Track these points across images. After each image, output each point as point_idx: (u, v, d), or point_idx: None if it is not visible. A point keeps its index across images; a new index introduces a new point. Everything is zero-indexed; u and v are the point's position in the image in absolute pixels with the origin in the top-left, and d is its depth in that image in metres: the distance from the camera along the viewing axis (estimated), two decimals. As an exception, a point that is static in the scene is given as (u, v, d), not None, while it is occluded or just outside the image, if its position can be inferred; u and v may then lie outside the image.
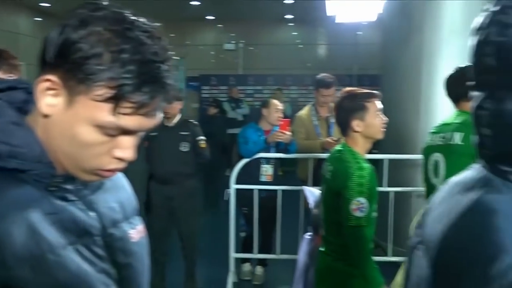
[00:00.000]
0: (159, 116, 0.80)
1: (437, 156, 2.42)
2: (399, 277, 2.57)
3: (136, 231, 1.01)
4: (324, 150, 3.95)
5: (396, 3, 4.80)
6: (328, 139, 3.98)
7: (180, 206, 3.81)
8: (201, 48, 12.85)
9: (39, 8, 10.54)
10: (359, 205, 2.05)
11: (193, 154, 3.83)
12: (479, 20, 0.67)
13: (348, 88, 2.30)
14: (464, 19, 4.42)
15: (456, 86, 2.38)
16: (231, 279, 4.23)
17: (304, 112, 4.32)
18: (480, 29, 0.66)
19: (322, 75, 4.28)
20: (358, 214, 2.05)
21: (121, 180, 1.04)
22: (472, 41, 0.68)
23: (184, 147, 3.79)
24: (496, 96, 0.64)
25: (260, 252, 4.28)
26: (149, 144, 3.86)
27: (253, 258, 4.41)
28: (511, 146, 0.64)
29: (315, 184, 4.12)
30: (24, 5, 10.15)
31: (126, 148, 0.79)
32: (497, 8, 0.64)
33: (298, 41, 12.75)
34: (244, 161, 4.12)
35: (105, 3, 0.77)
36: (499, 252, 0.59)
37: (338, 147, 2.30)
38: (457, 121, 2.39)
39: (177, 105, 3.80)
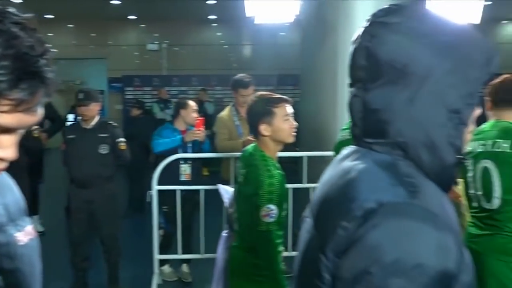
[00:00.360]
0: (41, 111, 0.76)
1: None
2: None
3: (23, 233, 0.96)
4: (246, 149, 4.02)
5: (312, 4, 4.96)
6: (249, 137, 4.05)
7: (100, 209, 3.74)
8: (124, 48, 12.56)
9: None
10: (269, 212, 2.12)
11: (112, 157, 3.77)
12: (357, 32, 0.88)
13: (259, 93, 2.37)
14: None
15: None
16: (155, 280, 4.19)
17: (225, 113, 4.36)
18: (356, 38, 0.88)
19: (239, 75, 4.33)
20: (268, 220, 2.13)
21: (6, 180, 0.99)
22: (351, 47, 0.89)
23: (103, 149, 3.72)
24: (365, 87, 0.85)
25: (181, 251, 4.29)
26: (67, 147, 3.75)
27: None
28: (373, 124, 0.84)
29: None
30: None
31: (6, 147, 0.75)
32: (367, 23, 0.86)
33: (222, 42, 12.80)
34: (165, 162, 4.10)
35: None
36: (353, 201, 0.77)
37: (250, 148, 2.36)
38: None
39: (95, 107, 3.72)
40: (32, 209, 5.56)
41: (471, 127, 0.86)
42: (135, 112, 6.55)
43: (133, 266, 4.56)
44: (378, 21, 0.84)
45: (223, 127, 4.27)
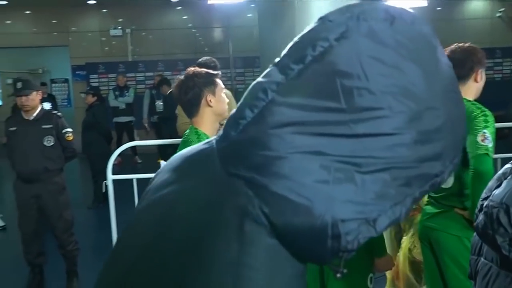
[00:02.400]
0: None
1: None
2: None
3: None
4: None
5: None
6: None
7: (49, 204, 3.58)
8: (86, 34, 12.17)
9: None
10: None
11: (59, 148, 3.59)
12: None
13: (190, 69, 2.28)
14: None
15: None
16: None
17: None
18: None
19: (204, 58, 4.22)
20: None
21: None
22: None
23: (48, 141, 3.54)
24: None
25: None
26: (8, 140, 3.56)
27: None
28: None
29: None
30: None
31: None
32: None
33: (189, 25, 12.51)
34: (119, 150, 3.95)
35: None
36: None
37: (186, 131, 2.25)
38: None
39: (36, 97, 3.53)
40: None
41: None
42: (90, 99, 6.25)
43: (94, 259, 4.42)
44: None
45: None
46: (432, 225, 2.32)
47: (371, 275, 2.19)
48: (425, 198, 2.51)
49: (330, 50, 0.54)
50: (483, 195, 1.30)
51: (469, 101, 2.25)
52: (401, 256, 2.66)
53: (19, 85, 3.45)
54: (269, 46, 5.02)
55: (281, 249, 0.55)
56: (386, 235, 2.88)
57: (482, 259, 1.30)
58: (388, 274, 2.91)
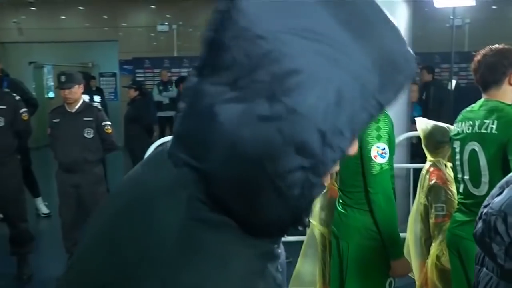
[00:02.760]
0: None
1: None
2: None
3: None
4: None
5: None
6: None
7: (87, 194, 3.71)
8: (134, 30, 12.48)
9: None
10: None
11: (98, 140, 3.72)
12: None
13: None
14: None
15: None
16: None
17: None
18: None
19: None
20: None
21: None
22: None
23: (88, 133, 3.67)
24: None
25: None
26: (52, 131, 3.72)
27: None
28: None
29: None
30: None
31: None
32: None
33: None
34: (157, 143, 4.05)
35: None
36: None
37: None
38: None
39: (78, 90, 3.66)
40: (32, 191, 5.60)
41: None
42: (132, 93, 6.37)
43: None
44: None
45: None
46: (461, 234, 2.23)
47: (390, 279, 2.16)
48: (455, 204, 2.45)
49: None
50: (485, 202, 1.27)
51: (508, 105, 2.17)
52: (429, 263, 2.61)
53: (62, 78, 3.61)
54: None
55: (233, 229, 0.55)
56: (415, 240, 2.83)
57: (484, 269, 1.27)
58: (417, 281, 2.85)
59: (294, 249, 3.09)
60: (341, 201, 2.34)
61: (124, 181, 0.61)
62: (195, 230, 0.53)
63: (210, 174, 0.54)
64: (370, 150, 2.08)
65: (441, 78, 9.39)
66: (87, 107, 3.76)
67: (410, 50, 0.57)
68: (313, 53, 0.50)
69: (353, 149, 0.57)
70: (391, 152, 2.12)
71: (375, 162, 2.07)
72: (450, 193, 2.60)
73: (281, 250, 0.66)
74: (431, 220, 2.65)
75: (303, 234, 3.11)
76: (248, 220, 0.55)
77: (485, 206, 1.25)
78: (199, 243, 0.52)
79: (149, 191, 0.56)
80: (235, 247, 0.55)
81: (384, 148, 2.09)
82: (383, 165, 2.08)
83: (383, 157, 2.08)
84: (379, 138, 2.08)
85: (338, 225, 2.35)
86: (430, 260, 2.61)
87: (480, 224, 1.22)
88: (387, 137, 2.10)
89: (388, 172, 2.13)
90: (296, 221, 0.57)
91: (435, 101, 6.55)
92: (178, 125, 0.57)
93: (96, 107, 3.85)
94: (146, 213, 0.54)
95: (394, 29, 0.56)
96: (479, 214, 1.27)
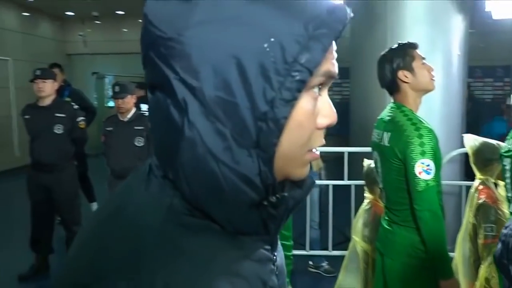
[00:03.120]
0: None
1: (376, 154, 2.31)
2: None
3: None
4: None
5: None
6: None
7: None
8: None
9: (25, 4, 10.54)
10: None
11: (148, 149, 3.84)
12: None
13: None
14: (427, 7, 4.39)
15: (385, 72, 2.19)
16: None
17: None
18: None
19: None
20: None
21: None
22: None
23: (139, 141, 3.79)
24: None
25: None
26: (105, 139, 3.87)
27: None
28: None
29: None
30: (10, 1, 10.15)
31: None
32: None
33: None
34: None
35: None
36: None
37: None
38: (387, 118, 2.21)
39: (130, 100, 3.81)
40: (88, 196, 5.83)
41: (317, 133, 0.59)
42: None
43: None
44: None
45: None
46: None
47: None
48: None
49: None
50: (506, 223, 1.21)
51: None
52: (478, 285, 2.49)
53: (116, 88, 3.76)
54: (360, 56, 4.96)
55: (215, 232, 0.56)
56: (464, 261, 2.71)
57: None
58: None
59: (338, 264, 3.06)
60: (386, 218, 2.28)
61: (119, 188, 0.64)
62: (174, 234, 0.54)
63: (179, 182, 0.56)
64: (414, 167, 2.02)
65: (503, 92, 8.99)
66: (139, 117, 3.89)
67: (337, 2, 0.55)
68: (221, 36, 0.50)
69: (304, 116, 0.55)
70: (437, 168, 2.05)
71: (420, 178, 2.01)
72: (500, 213, 2.49)
73: (277, 253, 0.67)
74: (480, 241, 2.53)
75: (347, 249, 3.06)
76: (226, 219, 0.56)
77: (506, 227, 1.19)
78: (179, 246, 0.53)
79: (136, 197, 0.58)
80: (217, 250, 0.55)
81: (429, 164, 2.03)
82: (428, 182, 2.02)
83: (428, 173, 2.02)
84: (423, 154, 2.02)
85: (383, 242, 2.30)
86: (479, 283, 2.49)
87: (499, 246, 1.17)
88: (432, 152, 2.04)
89: (435, 188, 2.06)
90: (268, 206, 0.57)
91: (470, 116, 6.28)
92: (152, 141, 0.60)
93: (146, 116, 3.98)
94: (130, 217, 0.56)
95: None
96: (500, 235, 1.21)
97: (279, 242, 0.72)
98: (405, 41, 2.22)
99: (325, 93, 0.58)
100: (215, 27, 0.50)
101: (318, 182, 4.36)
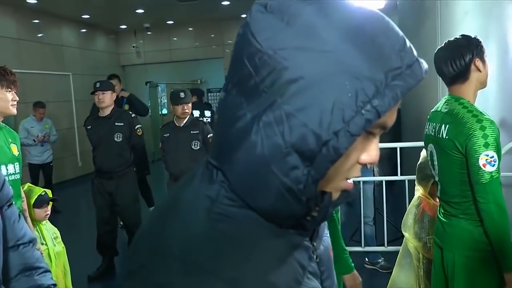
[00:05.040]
0: None
1: (431, 147, 2.28)
2: None
3: None
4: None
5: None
6: None
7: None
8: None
9: (81, 20, 11.06)
10: None
11: (204, 152, 3.98)
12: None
13: None
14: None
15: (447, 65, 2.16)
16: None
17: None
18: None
19: None
20: None
21: None
22: None
23: (195, 145, 3.95)
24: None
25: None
26: (163, 145, 4.05)
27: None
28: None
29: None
30: (67, 19, 10.68)
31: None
32: None
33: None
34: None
35: None
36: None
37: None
38: (444, 110, 2.19)
39: (189, 107, 3.99)
40: (147, 201, 6.07)
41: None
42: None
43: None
44: None
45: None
46: None
47: None
48: None
49: None
50: None
51: None
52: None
53: (182, 95, 3.96)
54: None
55: (257, 221, 0.63)
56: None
57: None
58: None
59: (394, 259, 3.06)
60: (443, 211, 2.26)
61: (174, 187, 0.72)
62: (219, 224, 0.60)
63: (230, 175, 0.63)
64: (478, 159, 1.99)
65: None
66: (194, 122, 4.05)
67: (418, 58, 0.60)
68: (312, 64, 0.56)
69: (356, 151, 0.62)
70: (499, 160, 2.03)
71: (484, 170, 1.98)
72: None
73: (318, 242, 0.74)
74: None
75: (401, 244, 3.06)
76: (269, 214, 0.62)
77: None
78: (223, 234, 0.59)
79: (186, 191, 0.66)
80: (259, 238, 0.62)
81: (493, 156, 1.99)
82: (493, 174, 1.98)
83: (493, 165, 1.98)
84: (486, 146, 1.99)
85: (441, 235, 2.27)
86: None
87: None
88: (495, 144, 2.00)
89: (499, 180, 2.03)
90: (307, 214, 0.63)
91: None
92: (213, 134, 0.67)
93: (201, 121, 4.15)
94: (180, 210, 0.63)
95: (397, 38, 0.59)
96: None
97: (324, 231, 0.80)
98: (456, 35, 2.22)
99: (377, 138, 0.65)
100: (308, 55, 0.56)
101: (371, 178, 4.36)
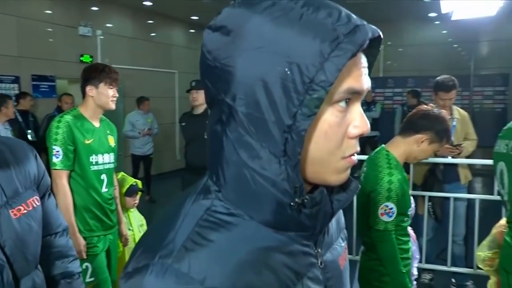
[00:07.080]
0: None
1: (502, 165, 2.19)
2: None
3: (16, 209, 1.24)
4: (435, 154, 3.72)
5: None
6: (446, 145, 3.74)
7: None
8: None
9: (191, 21, 11.61)
10: (387, 210, 2.08)
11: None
12: None
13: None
14: None
15: None
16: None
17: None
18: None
19: (442, 77, 4.09)
20: (385, 219, 2.11)
21: (23, 151, 1.34)
22: None
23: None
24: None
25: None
26: (182, 134, 4.18)
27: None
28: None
29: (424, 187, 4.00)
30: (177, 19, 11.28)
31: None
32: None
33: (449, 40, 11.91)
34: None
35: None
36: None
37: (376, 150, 2.30)
38: None
39: (198, 94, 4.11)
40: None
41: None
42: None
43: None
44: None
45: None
46: None
47: None
48: None
49: None
50: None
51: None
52: None
53: (193, 83, 4.15)
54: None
55: (242, 228, 0.64)
56: None
57: None
58: None
59: (485, 283, 2.89)
60: (511, 233, 2.13)
61: (174, 199, 0.75)
62: (203, 230, 0.62)
63: (220, 184, 0.66)
64: None
65: None
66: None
67: (358, 24, 0.60)
68: (252, 63, 0.60)
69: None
70: None
71: None
72: None
73: (322, 250, 0.73)
74: None
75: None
76: (261, 216, 0.65)
77: None
78: (205, 239, 0.61)
79: (187, 200, 0.69)
80: (241, 243, 0.63)
81: None
82: None
83: None
84: None
85: (508, 259, 2.15)
86: None
87: None
88: None
89: None
90: (299, 208, 0.64)
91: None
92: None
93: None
94: (176, 217, 0.66)
95: (330, 12, 0.60)
96: None
97: (339, 241, 0.80)
98: None
99: (356, 106, 0.65)
100: (247, 55, 0.60)
101: (464, 196, 4.11)
